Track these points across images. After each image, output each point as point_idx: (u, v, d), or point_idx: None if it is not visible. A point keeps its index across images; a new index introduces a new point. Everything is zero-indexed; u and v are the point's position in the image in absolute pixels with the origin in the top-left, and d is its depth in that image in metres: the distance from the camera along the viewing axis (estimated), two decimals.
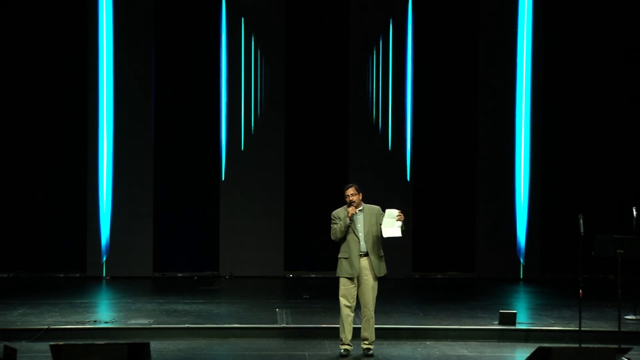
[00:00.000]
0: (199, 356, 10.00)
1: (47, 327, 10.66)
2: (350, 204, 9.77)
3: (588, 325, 10.96)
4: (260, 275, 15.05)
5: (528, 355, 8.45)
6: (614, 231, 11.85)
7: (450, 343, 10.69)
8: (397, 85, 15.33)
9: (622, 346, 9.40)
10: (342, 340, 9.94)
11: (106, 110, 14.98)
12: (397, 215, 9.64)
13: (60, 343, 7.70)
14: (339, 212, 9.89)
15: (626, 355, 9.42)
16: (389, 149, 15.35)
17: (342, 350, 9.95)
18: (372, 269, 9.82)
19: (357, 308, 10.00)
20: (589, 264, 11.63)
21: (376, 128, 15.34)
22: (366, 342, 9.98)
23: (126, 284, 14.44)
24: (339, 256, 9.88)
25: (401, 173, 15.32)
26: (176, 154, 15.37)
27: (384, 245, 9.95)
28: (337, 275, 9.95)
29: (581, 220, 10.12)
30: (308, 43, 15.42)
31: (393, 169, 15.31)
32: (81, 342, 9.67)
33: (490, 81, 15.32)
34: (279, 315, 11.62)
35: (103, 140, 14.99)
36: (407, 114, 15.34)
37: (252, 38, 15.21)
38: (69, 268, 15.16)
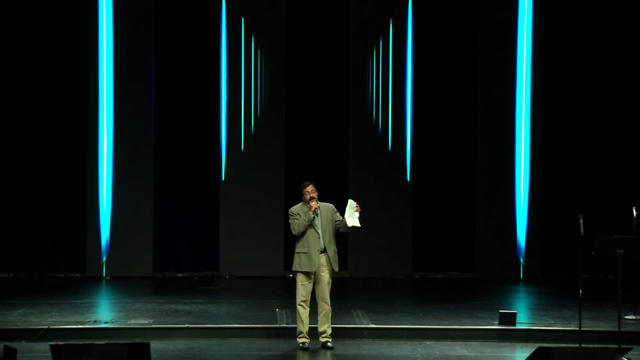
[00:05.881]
0: (199, 356, 10.00)
1: (47, 327, 10.66)
2: (311, 199, 10.09)
3: (588, 325, 10.96)
4: (260, 275, 15.05)
5: (528, 355, 8.45)
6: (614, 231, 11.84)
7: (450, 343, 10.69)
8: (397, 85, 15.32)
9: (622, 346, 9.39)
10: (301, 333, 10.16)
11: (106, 110, 14.98)
12: (355, 207, 10.02)
13: (60, 343, 7.69)
14: (297, 209, 10.17)
15: (626, 355, 9.41)
16: (389, 149, 15.35)
17: (301, 344, 10.17)
18: (329, 264, 10.13)
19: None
20: (589, 264, 11.63)
21: (376, 128, 15.34)
22: (325, 336, 10.21)
23: (126, 284, 14.44)
24: (297, 251, 10.16)
25: (401, 173, 15.31)
26: (176, 154, 15.37)
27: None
28: (294, 269, 10.20)
29: (581, 220, 10.12)
30: (308, 43, 15.42)
31: (393, 169, 15.31)
32: (81, 342, 9.68)
33: (490, 81, 15.31)
34: (279, 315, 11.62)
35: (103, 140, 14.99)
36: (407, 114, 15.34)
37: (252, 38, 15.21)
38: (69, 268, 15.16)
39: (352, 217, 10.03)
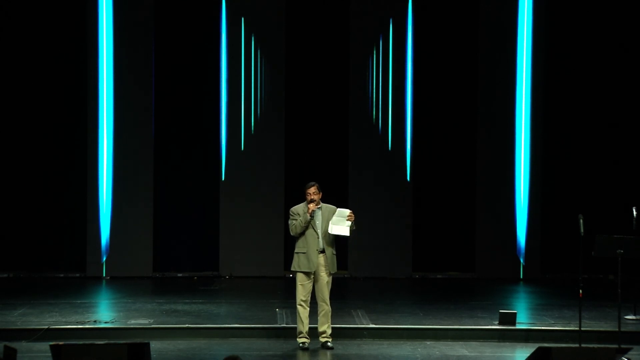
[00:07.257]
0: (199, 356, 10.00)
1: (47, 327, 10.66)
2: (310, 201, 10.06)
3: (588, 325, 10.96)
4: (260, 275, 15.05)
5: (528, 355, 8.44)
6: (614, 231, 11.84)
7: (450, 343, 10.69)
8: (397, 85, 15.32)
9: (622, 346, 9.39)
10: (301, 333, 10.18)
11: (106, 110, 14.98)
12: (348, 215, 10.01)
13: (60, 343, 7.68)
14: (298, 209, 10.19)
15: (626, 355, 9.41)
16: (389, 149, 15.34)
17: (301, 344, 10.19)
18: (327, 265, 10.13)
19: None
20: (589, 264, 11.62)
21: (376, 128, 15.34)
22: (325, 336, 10.24)
23: (126, 284, 14.43)
24: (296, 251, 10.19)
25: (401, 173, 15.31)
26: (176, 154, 15.37)
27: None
28: (293, 269, 10.25)
29: (581, 220, 10.12)
30: (308, 43, 15.42)
31: (393, 169, 15.30)
32: (81, 342, 9.68)
33: (490, 81, 15.31)
34: (279, 315, 11.62)
35: (103, 140, 14.99)
36: (407, 114, 15.34)
37: (252, 38, 15.21)
38: (69, 268, 15.15)
39: (339, 224, 10.00)
